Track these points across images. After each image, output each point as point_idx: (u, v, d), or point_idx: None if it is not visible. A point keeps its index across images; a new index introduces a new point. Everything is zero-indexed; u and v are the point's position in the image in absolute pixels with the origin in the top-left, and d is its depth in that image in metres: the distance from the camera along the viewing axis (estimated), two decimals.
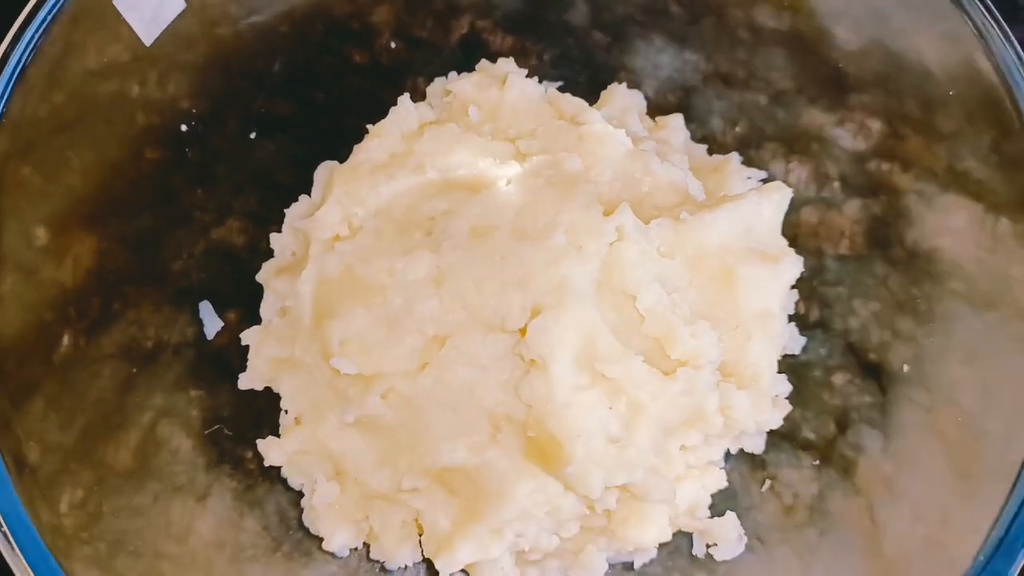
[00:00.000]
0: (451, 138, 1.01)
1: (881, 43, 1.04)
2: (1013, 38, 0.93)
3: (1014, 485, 0.82)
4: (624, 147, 1.00)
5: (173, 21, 0.97)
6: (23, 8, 0.87)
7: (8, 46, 0.86)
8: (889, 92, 1.05)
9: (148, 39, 0.96)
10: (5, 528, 0.78)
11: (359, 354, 0.94)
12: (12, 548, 0.78)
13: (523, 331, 0.91)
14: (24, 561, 0.78)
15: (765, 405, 0.98)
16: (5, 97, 0.86)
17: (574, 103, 1.05)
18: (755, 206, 0.97)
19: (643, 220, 0.95)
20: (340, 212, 1.01)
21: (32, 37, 0.87)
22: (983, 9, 0.93)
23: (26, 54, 0.87)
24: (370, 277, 0.96)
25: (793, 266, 0.98)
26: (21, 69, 0.87)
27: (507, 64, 1.11)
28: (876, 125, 1.06)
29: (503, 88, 1.05)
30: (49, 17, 0.87)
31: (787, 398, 1.04)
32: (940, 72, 0.99)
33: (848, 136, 1.08)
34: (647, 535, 0.95)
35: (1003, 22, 0.93)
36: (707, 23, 1.14)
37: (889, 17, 1.03)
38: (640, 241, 0.92)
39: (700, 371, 0.91)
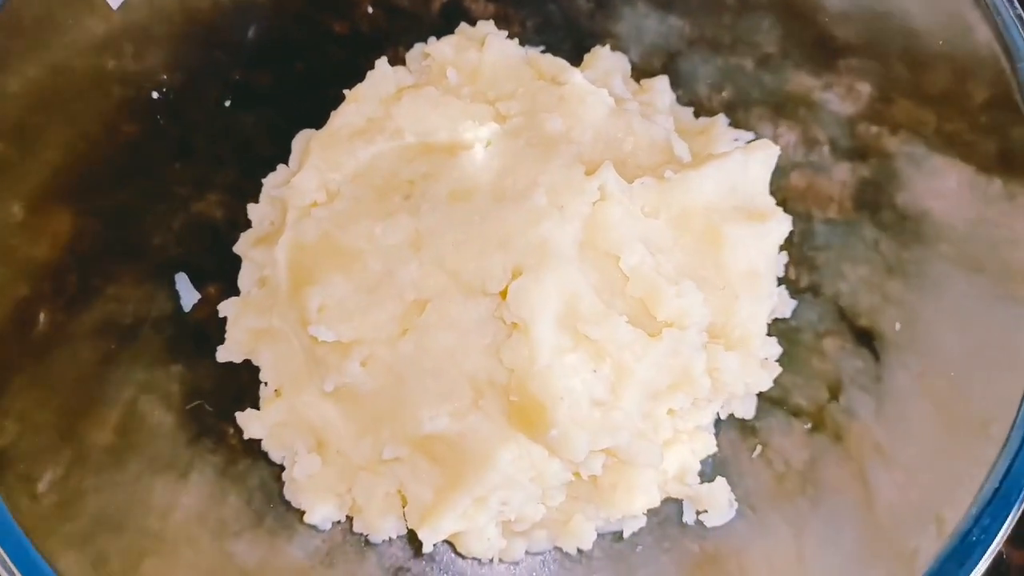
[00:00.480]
0: (429, 101, 1.00)
1: (868, 5, 1.03)
2: None
3: (1004, 444, 0.81)
4: (606, 106, 0.99)
5: None
6: None
7: None
8: (877, 54, 1.03)
9: (115, 3, 0.94)
10: None
11: (338, 321, 0.93)
12: None
13: (504, 294, 0.89)
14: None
15: (754, 367, 0.97)
16: None
17: (555, 63, 1.04)
18: (741, 164, 0.95)
19: (626, 180, 0.93)
20: (317, 178, 1.00)
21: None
22: None
23: None
24: (348, 243, 0.95)
25: (781, 224, 0.97)
26: None
27: (486, 26, 1.10)
28: (864, 88, 1.05)
29: (482, 50, 1.04)
30: None
31: (777, 361, 1.03)
32: (929, 33, 0.98)
33: (836, 100, 1.07)
34: (635, 501, 0.94)
35: None
36: None
37: None
38: (623, 200, 0.91)
39: (686, 332, 0.90)
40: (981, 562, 0.78)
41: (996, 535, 0.78)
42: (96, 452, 0.92)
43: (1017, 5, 0.90)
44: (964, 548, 0.78)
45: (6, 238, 0.90)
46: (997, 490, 0.79)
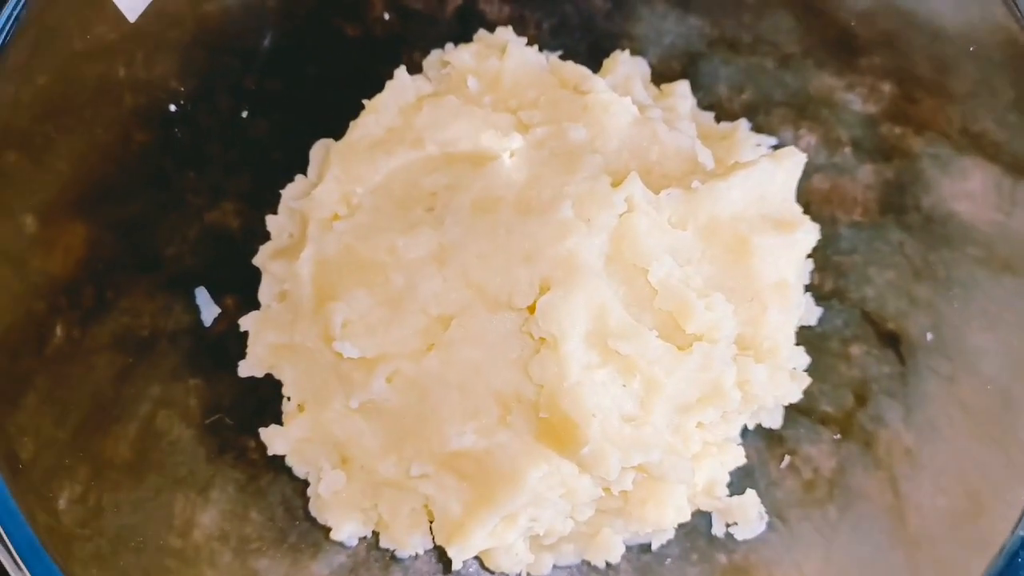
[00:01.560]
0: (450, 111, 1.00)
1: (890, 2, 1.02)
2: None
3: None
4: (630, 115, 0.99)
5: None
6: None
7: None
8: (900, 53, 1.03)
9: (132, 15, 0.94)
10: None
11: (362, 336, 0.93)
12: (9, 552, 0.77)
13: (531, 308, 0.90)
14: (23, 565, 0.77)
15: (783, 378, 0.97)
16: None
17: (577, 71, 1.04)
18: (768, 173, 0.95)
19: (652, 190, 0.93)
20: (338, 190, 1.00)
21: (11, 15, 0.85)
22: None
23: (7, 33, 0.85)
24: (371, 256, 0.95)
25: (809, 234, 0.97)
26: (1, 50, 0.85)
27: (506, 33, 1.09)
28: (887, 88, 1.05)
29: (502, 57, 1.04)
30: None
31: (805, 370, 1.03)
32: (954, 29, 0.98)
33: (859, 100, 1.07)
34: (666, 516, 0.94)
35: None
36: None
37: None
38: (650, 212, 0.91)
39: (716, 345, 0.90)
40: None
41: None
42: (114, 469, 0.93)
43: None
44: (1012, 570, 0.78)
45: (20, 251, 0.91)
46: None
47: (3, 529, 0.77)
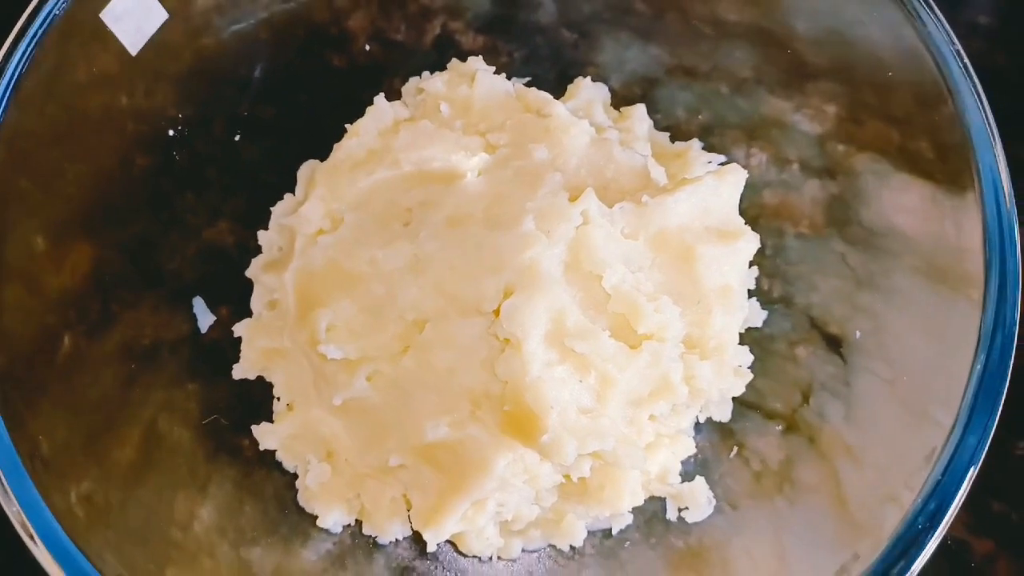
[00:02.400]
0: (425, 134, 1.05)
1: (836, 33, 1.07)
2: (947, 25, 0.96)
3: (947, 437, 0.87)
4: (588, 136, 1.03)
5: (157, 31, 1.01)
6: (15, 23, 0.91)
7: (2, 60, 0.89)
8: (844, 79, 1.08)
9: (134, 49, 0.99)
10: (26, 519, 0.81)
11: (345, 340, 0.98)
12: (35, 541, 0.81)
13: (497, 312, 0.94)
14: (48, 552, 0.81)
15: (728, 374, 1.02)
16: (2, 109, 0.89)
17: (540, 96, 1.09)
18: (712, 188, 1.00)
19: (607, 204, 0.98)
20: (322, 207, 1.05)
21: (25, 51, 0.90)
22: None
23: (20, 67, 0.90)
24: (353, 268, 0.99)
25: (750, 243, 1.02)
26: (15, 82, 0.90)
27: (476, 62, 1.14)
28: (832, 110, 1.09)
29: (472, 85, 1.09)
30: (41, 31, 0.90)
31: (750, 368, 1.08)
32: (889, 59, 1.03)
33: (806, 121, 1.11)
34: (622, 500, 0.99)
35: (937, 10, 0.96)
36: (671, 18, 1.17)
37: (842, 9, 1.06)
38: (604, 224, 0.96)
39: (664, 344, 0.95)
40: (929, 543, 0.84)
41: (943, 519, 0.85)
42: (120, 468, 0.96)
43: (955, 39, 0.95)
44: (913, 532, 0.85)
45: (31, 268, 0.94)
46: (941, 479, 0.85)
47: (32, 524, 0.81)
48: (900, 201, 1.04)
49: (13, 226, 0.92)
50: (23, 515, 0.81)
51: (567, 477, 0.98)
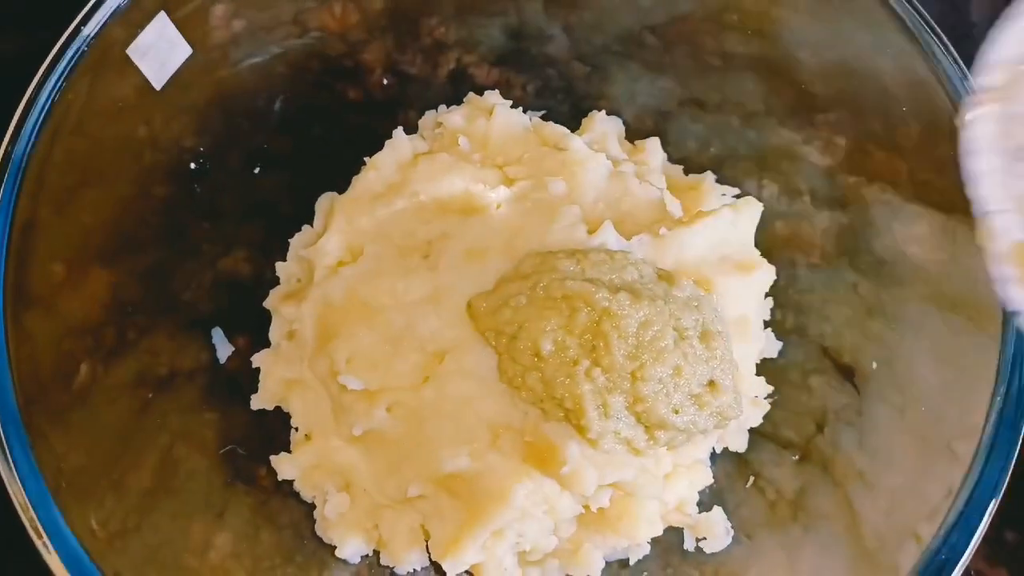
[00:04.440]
0: (443, 167, 1.06)
1: (843, 65, 1.08)
2: (957, 56, 0.98)
3: (969, 468, 0.87)
4: (605, 169, 1.05)
5: (180, 66, 1.02)
6: (45, 57, 0.92)
7: (33, 92, 0.91)
8: (853, 110, 1.09)
9: (158, 84, 1.00)
10: (47, 540, 0.82)
11: (364, 371, 0.99)
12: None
13: None
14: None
15: (745, 405, 1.02)
16: (30, 141, 0.90)
17: (556, 130, 1.11)
18: (729, 220, 1.02)
19: (625, 237, 1.00)
20: (342, 239, 1.06)
21: (55, 84, 0.91)
22: (928, 31, 0.98)
23: (49, 100, 0.91)
24: (372, 299, 1.00)
25: (766, 275, 1.03)
26: (45, 115, 0.91)
27: (493, 96, 1.16)
28: (842, 142, 1.11)
29: (490, 119, 1.10)
30: (69, 66, 0.92)
31: (766, 398, 1.09)
32: (897, 91, 1.04)
33: (816, 153, 1.12)
34: (640, 530, 1.00)
35: (947, 41, 0.98)
36: (680, 51, 1.19)
37: (849, 41, 1.07)
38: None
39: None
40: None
41: (964, 552, 0.85)
42: (137, 494, 0.96)
43: (963, 67, 0.96)
44: (935, 565, 0.85)
45: (49, 295, 0.94)
46: (963, 512, 0.86)
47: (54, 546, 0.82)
48: (910, 231, 1.05)
49: (34, 254, 0.92)
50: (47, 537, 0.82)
51: (586, 507, 0.99)
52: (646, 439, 0.93)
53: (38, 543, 0.82)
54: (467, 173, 1.06)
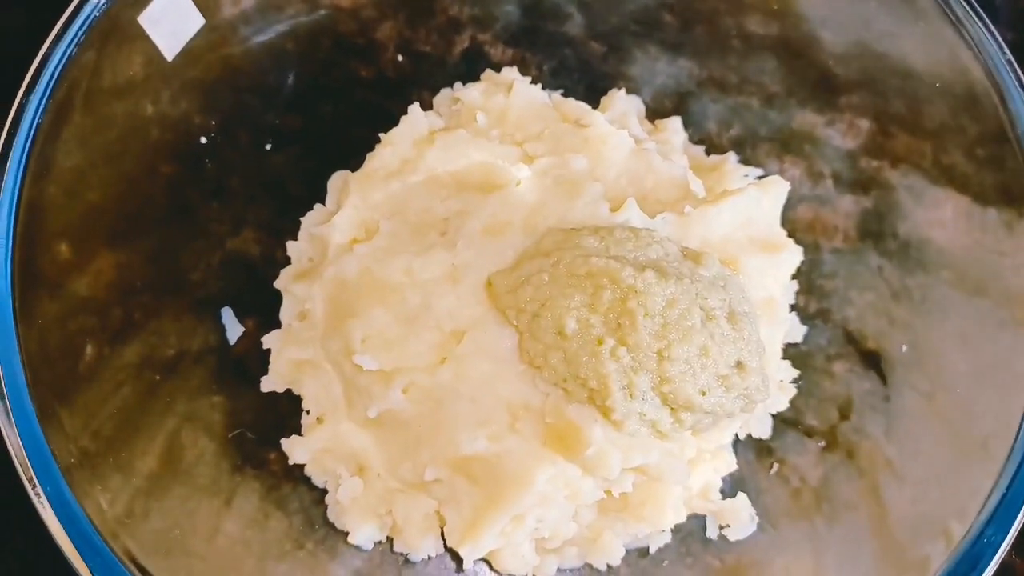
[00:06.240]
0: (461, 143, 1.04)
1: (866, 45, 1.08)
2: (996, 33, 0.96)
3: (1007, 458, 0.86)
4: (627, 147, 1.03)
5: (193, 37, 1.00)
6: (54, 26, 0.90)
7: (40, 61, 0.89)
8: (876, 92, 1.08)
9: (170, 54, 0.99)
10: (55, 519, 0.81)
11: (380, 350, 0.97)
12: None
13: None
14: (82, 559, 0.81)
15: (771, 389, 0.99)
16: (37, 115, 0.88)
17: (577, 107, 1.09)
18: (755, 199, 1.00)
19: (648, 215, 0.98)
20: (357, 216, 1.04)
21: (63, 54, 0.89)
22: (965, 6, 0.96)
23: (57, 69, 0.89)
24: (388, 277, 0.99)
25: (793, 255, 1.02)
26: (53, 86, 0.89)
27: (511, 72, 1.15)
28: (865, 124, 1.10)
29: (509, 94, 1.09)
30: (79, 35, 0.90)
31: (792, 383, 1.08)
32: (924, 71, 1.03)
33: (839, 135, 1.12)
34: (664, 516, 0.98)
35: (985, 18, 0.96)
36: (699, 31, 1.18)
37: (873, 20, 1.06)
38: None
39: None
40: (989, 569, 0.82)
41: (1001, 544, 0.83)
42: (143, 478, 0.95)
43: (1007, 50, 0.95)
44: (972, 556, 0.83)
45: (55, 275, 0.93)
46: (1001, 502, 0.84)
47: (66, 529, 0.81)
48: (935, 215, 1.05)
49: (40, 233, 0.91)
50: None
51: (608, 493, 0.97)
52: (671, 421, 0.90)
53: (49, 523, 0.81)
54: (485, 149, 1.04)
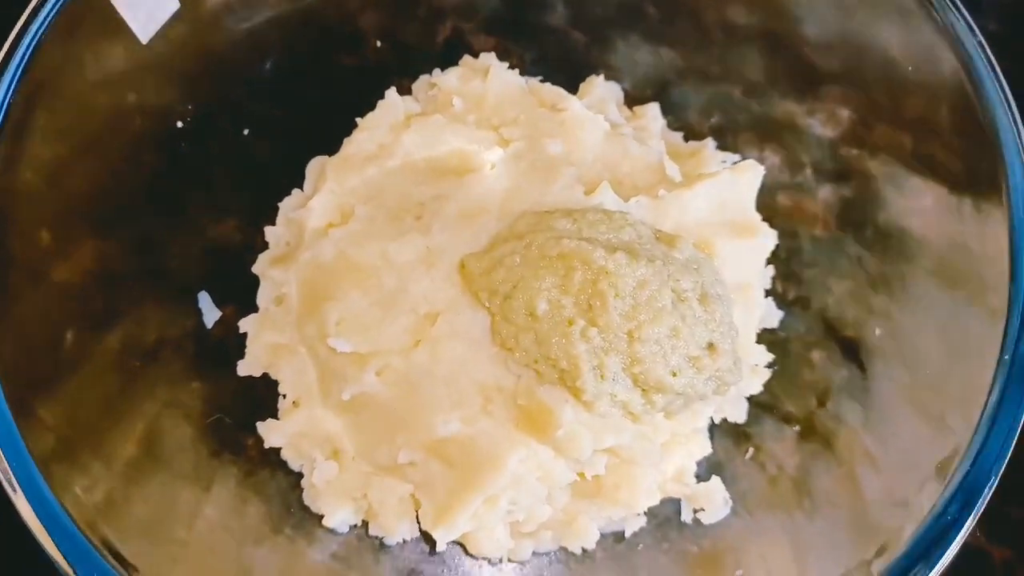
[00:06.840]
0: (437, 127, 1.04)
1: (847, 36, 1.07)
2: (973, 23, 0.96)
3: (970, 441, 0.86)
4: (603, 131, 1.03)
5: (168, 21, 0.99)
6: (24, 9, 0.89)
7: (10, 47, 0.87)
8: (856, 82, 1.08)
9: (144, 37, 0.98)
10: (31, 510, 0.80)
11: (355, 333, 0.97)
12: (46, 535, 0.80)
13: None
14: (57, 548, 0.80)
15: (744, 372, 1.01)
16: (7, 98, 0.87)
17: (553, 91, 1.09)
18: (729, 183, 1.00)
19: (623, 199, 0.98)
20: (333, 200, 1.04)
21: (33, 37, 0.88)
22: None
23: (28, 53, 0.88)
24: (364, 260, 0.99)
25: (768, 239, 1.02)
26: (23, 71, 0.88)
27: (488, 57, 1.14)
28: (845, 114, 1.09)
29: (485, 79, 1.09)
30: (51, 16, 0.89)
31: (767, 367, 1.08)
32: (902, 61, 1.02)
33: (819, 125, 1.11)
34: (637, 499, 0.98)
35: (963, 9, 0.96)
36: (681, 21, 1.17)
37: (853, 11, 1.06)
38: None
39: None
40: (953, 546, 0.82)
41: (965, 522, 0.83)
42: (123, 464, 0.95)
43: (979, 33, 0.95)
44: (934, 533, 0.83)
45: (35, 263, 0.93)
46: (963, 480, 0.84)
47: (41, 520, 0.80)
48: (913, 204, 1.04)
49: (19, 220, 0.91)
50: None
51: (581, 475, 0.97)
52: (643, 403, 0.91)
53: (23, 512, 0.80)
54: (461, 134, 1.04)
